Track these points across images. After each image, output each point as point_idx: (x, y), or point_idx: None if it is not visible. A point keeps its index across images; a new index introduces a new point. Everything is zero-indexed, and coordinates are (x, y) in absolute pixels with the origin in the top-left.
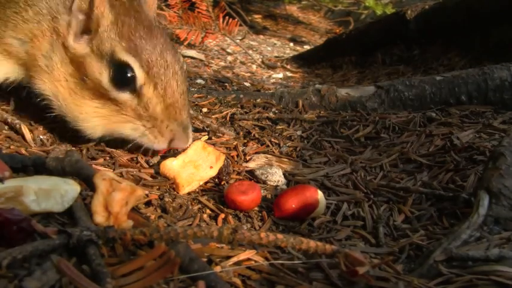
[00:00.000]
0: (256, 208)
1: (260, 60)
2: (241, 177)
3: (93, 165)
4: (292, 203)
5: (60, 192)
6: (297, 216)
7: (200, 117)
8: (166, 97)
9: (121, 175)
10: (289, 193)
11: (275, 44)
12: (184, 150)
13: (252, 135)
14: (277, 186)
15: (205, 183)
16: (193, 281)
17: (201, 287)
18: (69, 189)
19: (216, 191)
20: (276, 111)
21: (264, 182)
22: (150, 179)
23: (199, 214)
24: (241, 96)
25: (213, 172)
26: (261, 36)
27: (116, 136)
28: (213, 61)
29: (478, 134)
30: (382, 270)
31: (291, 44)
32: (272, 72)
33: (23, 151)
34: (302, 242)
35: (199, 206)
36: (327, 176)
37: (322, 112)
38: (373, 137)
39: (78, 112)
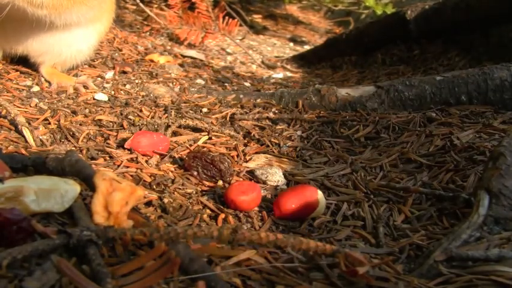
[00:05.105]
0: (256, 208)
1: (260, 60)
2: (241, 178)
3: (93, 165)
4: (292, 203)
5: (60, 192)
6: (297, 216)
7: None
8: None
9: (121, 175)
10: (289, 193)
11: (275, 44)
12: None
13: (252, 135)
14: (277, 186)
15: (205, 184)
16: (193, 281)
17: (201, 287)
18: (69, 189)
19: (216, 191)
20: (276, 111)
21: (264, 182)
22: (150, 179)
23: (199, 214)
24: (241, 96)
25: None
26: (261, 36)
27: None
28: (213, 61)
29: (478, 134)
30: (382, 270)
31: (291, 44)
32: (272, 72)
33: (23, 151)
34: (302, 242)
35: (200, 206)
36: (327, 176)
37: (322, 112)
38: (373, 137)
39: None
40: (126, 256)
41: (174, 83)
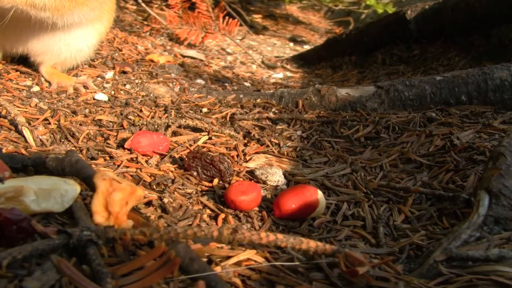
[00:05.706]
0: (256, 208)
1: (260, 60)
2: (241, 178)
3: (93, 165)
4: (292, 203)
5: (60, 192)
6: (297, 216)
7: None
8: None
9: (121, 175)
10: (289, 193)
11: (275, 44)
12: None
13: (252, 135)
14: (277, 186)
15: (205, 184)
16: (193, 281)
17: (201, 287)
18: (69, 189)
19: (216, 191)
20: (276, 111)
21: (264, 182)
22: (150, 179)
23: (199, 214)
24: (241, 96)
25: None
26: (261, 36)
27: None
28: (213, 61)
29: (478, 134)
30: (382, 270)
31: (291, 44)
32: (272, 72)
33: (23, 151)
34: (302, 242)
35: (200, 206)
36: (327, 176)
37: (322, 112)
38: (373, 137)
39: None
40: (126, 256)
41: (174, 83)
